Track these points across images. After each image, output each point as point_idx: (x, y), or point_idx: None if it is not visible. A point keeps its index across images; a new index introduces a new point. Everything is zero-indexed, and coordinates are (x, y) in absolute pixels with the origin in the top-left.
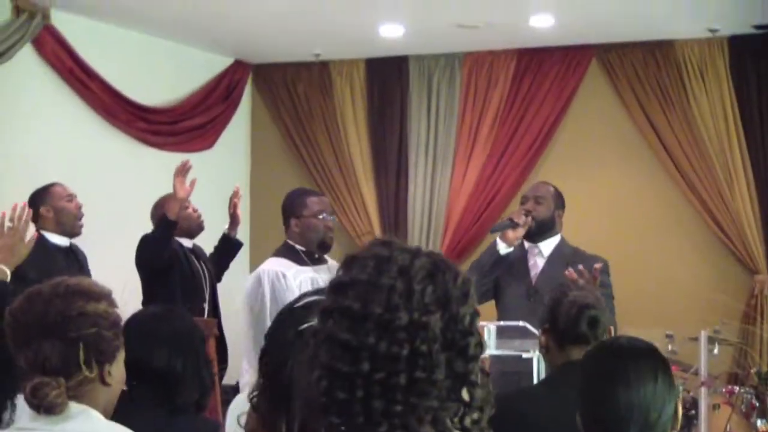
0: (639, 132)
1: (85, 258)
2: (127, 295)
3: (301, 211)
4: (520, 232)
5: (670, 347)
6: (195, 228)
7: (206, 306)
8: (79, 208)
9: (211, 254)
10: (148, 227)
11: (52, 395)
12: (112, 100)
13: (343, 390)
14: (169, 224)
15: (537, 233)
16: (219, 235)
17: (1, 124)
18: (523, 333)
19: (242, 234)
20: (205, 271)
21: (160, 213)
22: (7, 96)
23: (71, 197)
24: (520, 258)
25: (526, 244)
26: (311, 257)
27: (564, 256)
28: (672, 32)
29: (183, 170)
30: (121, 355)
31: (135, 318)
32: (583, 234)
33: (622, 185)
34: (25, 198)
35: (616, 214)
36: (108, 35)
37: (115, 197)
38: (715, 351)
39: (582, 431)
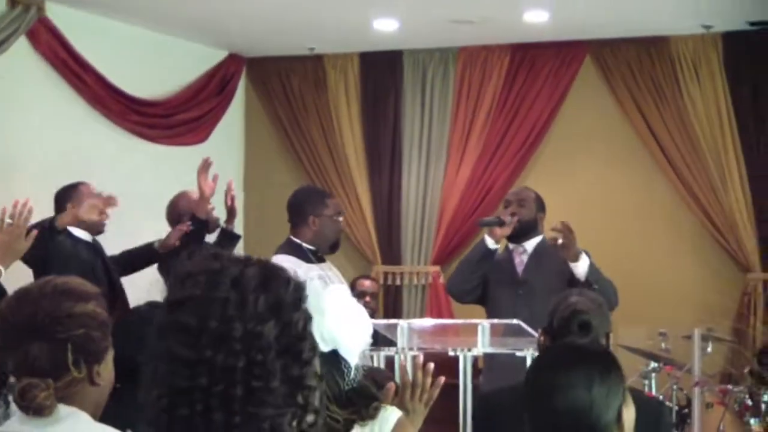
0: (632, 128)
1: (104, 253)
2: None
3: (323, 211)
4: (507, 230)
5: (663, 345)
6: (212, 225)
7: None
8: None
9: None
10: (142, 219)
11: (41, 397)
12: (106, 92)
13: (184, 405)
14: (202, 224)
15: (521, 234)
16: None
17: None
18: (517, 331)
19: (236, 227)
20: None
21: (177, 212)
22: (1, 88)
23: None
24: (506, 258)
25: (511, 246)
26: (315, 255)
27: (547, 248)
28: (666, 28)
29: (205, 167)
30: (109, 356)
31: (125, 317)
32: (576, 231)
33: (615, 182)
34: (21, 191)
35: (609, 211)
36: (103, 28)
37: (109, 190)
38: (709, 349)
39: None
